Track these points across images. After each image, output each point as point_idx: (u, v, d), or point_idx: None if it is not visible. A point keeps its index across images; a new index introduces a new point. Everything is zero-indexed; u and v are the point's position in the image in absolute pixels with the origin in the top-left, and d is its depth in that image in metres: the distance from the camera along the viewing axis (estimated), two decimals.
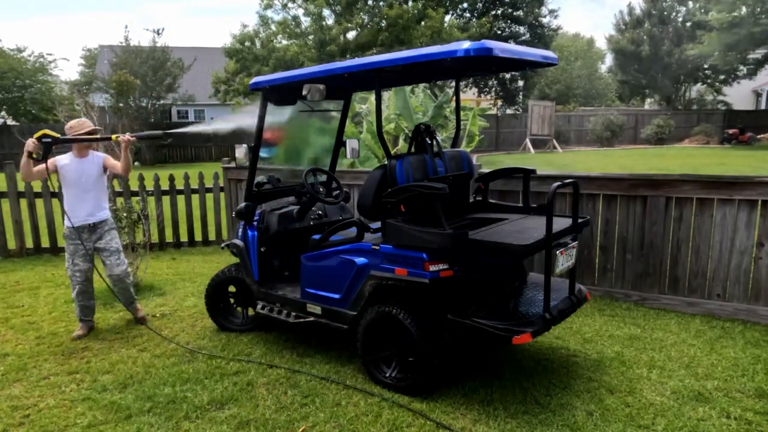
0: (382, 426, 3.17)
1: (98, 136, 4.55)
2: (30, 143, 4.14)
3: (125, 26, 67.57)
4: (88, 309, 4.66)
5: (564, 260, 3.48)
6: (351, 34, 23.73)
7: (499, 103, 38.05)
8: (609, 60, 38.97)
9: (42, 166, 4.33)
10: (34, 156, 4.21)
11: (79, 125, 4.45)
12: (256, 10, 37.74)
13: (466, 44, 3.00)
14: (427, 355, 3.34)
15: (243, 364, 4.01)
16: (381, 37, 22.27)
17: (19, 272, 6.74)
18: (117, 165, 4.55)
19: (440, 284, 3.37)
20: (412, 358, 3.42)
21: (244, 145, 4.50)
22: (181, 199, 7.83)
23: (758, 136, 25.54)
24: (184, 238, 7.99)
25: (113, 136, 4.37)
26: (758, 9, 22.54)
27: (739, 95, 34.34)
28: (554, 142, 25.20)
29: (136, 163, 22.74)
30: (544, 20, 37.29)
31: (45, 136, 4.18)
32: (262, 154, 4.52)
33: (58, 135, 4.26)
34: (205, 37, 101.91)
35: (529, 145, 24.77)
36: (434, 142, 4.02)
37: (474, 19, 30.96)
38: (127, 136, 4.39)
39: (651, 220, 5.01)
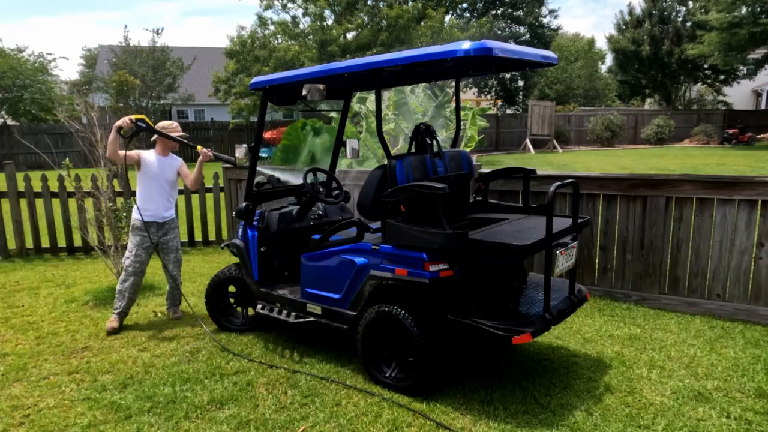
0: (382, 426, 3.17)
1: (184, 140, 4.79)
2: (125, 120, 4.37)
3: (125, 26, 67.71)
4: (132, 302, 4.83)
5: (564, 260, 3.48)
6: (351, 34, 23.72)
7: (499, 103, 38.05)
8: (609, 60, 38.99)
9: (131, 153, 4.58)
10: (122, 132, 4.41)
11: (172, 127, 4.73)
12: (256, 11, 37.73)
13: (466, 44, 3.00)
14: (427, 355, 3.34)
15: (243, 364, 4.01)
16: (381, 37, 22.26)
17: (19, 272, 6.74)
18: (189, 176, 4.89)
19: (440, 284, 3.38)
20: (412, 358, 3.42)
21: (244, 145, 4.50)
22: (181, 199, 7.78)
23: (758, 136, 25.54)
24: (184, 238, 7.98)
25: (198, 147, 4.75)
26: (758, 9, 22.51)
27: (739, 95, 34.34)
28: (554, 142, 25.19)
29: None
30: (544, 20, 37.34)
31: (142, 120, 4.44)
32: (262, 154, 4.53)
33: (153, 125, 4.54)
34: (205, 37, 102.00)
35: (529, 145, 24.77)
36: (434, 142, 4.02)
37: (474, 19, 30.97)
38: (209, 152, 4.73)
39: (651, 220, 5.01)
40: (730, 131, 25.35)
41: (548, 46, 35.11)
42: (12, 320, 5.05)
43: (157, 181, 4.69)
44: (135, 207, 4.70)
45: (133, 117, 4.41)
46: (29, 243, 7.53)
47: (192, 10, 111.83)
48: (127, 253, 4.76)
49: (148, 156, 4.68)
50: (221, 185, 7.90)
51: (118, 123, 4.37)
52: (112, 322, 4.72)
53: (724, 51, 24.63)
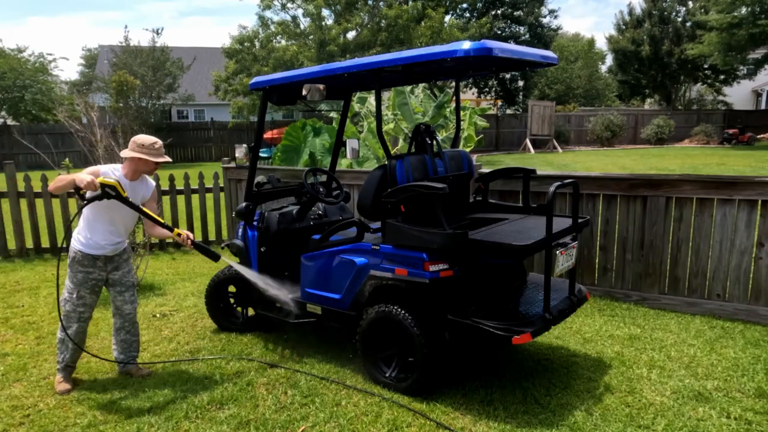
0: (382, 426, 3.17)
1: (161, 220, 3.73)
2: (93, 182, 3.32)
3: (125, 26, 67.74)
4: (78, 353, 3.79)
5: (564, 260, 3.48)
6: (351, 34, 23.73)
7: (499, 103, 38.05)
8: (609, 60, 38.98)
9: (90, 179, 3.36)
10: (81, 192, 3.46)
11: (151, 145, 3.58)
12: (255, 11, 37.74)
13: (466, 44, 3.01)
14: (427, 355, 3.34)
15: (243, 364, 4.01)
16: (381, 37, 22.26)
17: (19, 272, 6.73)
18: (153, 224, 3.73)
19: (440, 284, 3.38)
20: (412, 358, 3.42)
21: (244, 145, 4.50)
22: (181, 199, 7.83)
23: (758, 136, 25.53)
24: None
25: (175, 230, 3.71)
26: (758, 9, 22.51)
27: (739, 95, 34.33)
28: (554, 142, 25.19)
29: None
30: (544, 20, 37.34)
31: (113, 188, 3.41)
32: (262, 154, 4.51)
33: (124, 195, 3.49)
34: (205, 37, 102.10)
35: (529, 145, 24.76)
36: (434, 142, 4.02)
37: (474, 19, 30.97)
38: (189, 237, 3.73)
39: (651, 220, 5.01)
40: (730, 131, 25.35)
41: (548, 47, 35.10)
42: (12, 320, 5.05)
43: (117, 209, 3.56)
44: (76, 235, 3.62)
45: (98, 182, 3.36)
46: (29, 243, 7.53)
47: (191, 10, 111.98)
48: (65, 294, 3.68)
49: (112, 175, 3.54)
50: (221, 185, 7.91)
51: (80, 182, 3.30)
52: (62, 382, 3.68)
53: (723, 51, 24.63)
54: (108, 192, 3.41)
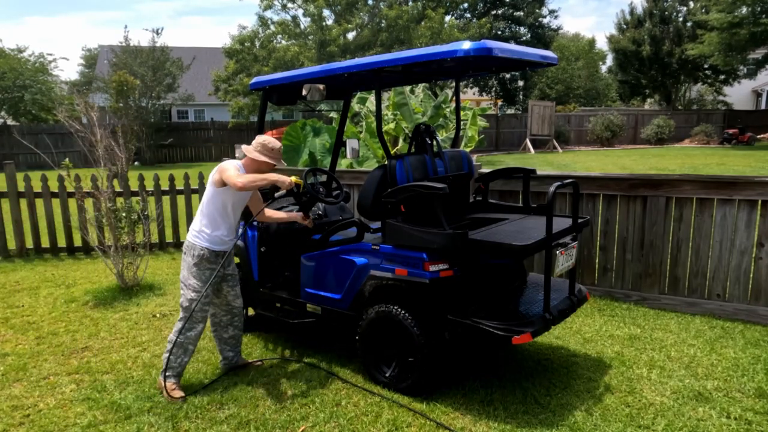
0: (382, 426, 3.17)
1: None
2: (289, 181, 3.45)
3: (125, 26, 67.76)
4: (191, 356, 3.72)
5: (564, 260, 3.48)
6: (351, 35, 23.74)
7: (499, 103, 38.03)
8: (609, 60, 38.99)
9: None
10: (295, 190, 3.57)
11: (269, 145, 3.57)
12: (256, 11, 37.72)
13: (466, 44, 3.01)
14: (427, 355, 3.34)
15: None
16: (381, 38, 22.27)
17: (19, 272, 6.74)
18: (264, 208, 3.92)
19: (440, 284, 3.38)
20: (412, 358, 3.42)
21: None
22: (181, 199, 7.83)
23: (758, 136, 25.53)
24: (184, 238, 7.96)
25: (302, 216, 3.96)
26: (758, 9, 22.49)
27: (739, 95, 34.32)
28: (554, 142, 25.18)
29: (136, 163, 22.73)
30: (545, 20, 37.34)
31: (298, 186, 3.59)
32: None
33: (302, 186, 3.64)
34: (204, 36, 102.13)
35: (529, 145, 24.75)
36: (434, 142, 4.02)
37: (474, 20, 30.98)
38: (310, 223, 3.97)
39: (651, 220, 5.01)
40: (730, 131, 25.34)
41: (548, 47, 35.09)
42: (12, 320, 5.05)
43: (239, 200, 3.64)
44: (198, 232, 3.58)
45: (294, 179, 3.48)
46: (29, 243, 7.53)
47: (190, 10, 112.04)
48: (190, 294, 3.56)
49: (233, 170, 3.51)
50: None
51: (281, 183, 3.42)
52: (176, 389, 3.56)
53: (724, 51, 24.61)
54: (292, 190, 3.58)
